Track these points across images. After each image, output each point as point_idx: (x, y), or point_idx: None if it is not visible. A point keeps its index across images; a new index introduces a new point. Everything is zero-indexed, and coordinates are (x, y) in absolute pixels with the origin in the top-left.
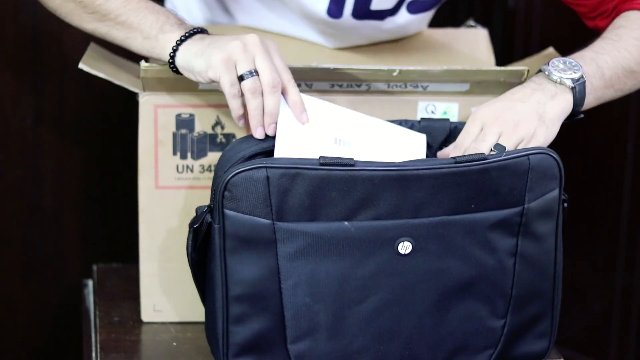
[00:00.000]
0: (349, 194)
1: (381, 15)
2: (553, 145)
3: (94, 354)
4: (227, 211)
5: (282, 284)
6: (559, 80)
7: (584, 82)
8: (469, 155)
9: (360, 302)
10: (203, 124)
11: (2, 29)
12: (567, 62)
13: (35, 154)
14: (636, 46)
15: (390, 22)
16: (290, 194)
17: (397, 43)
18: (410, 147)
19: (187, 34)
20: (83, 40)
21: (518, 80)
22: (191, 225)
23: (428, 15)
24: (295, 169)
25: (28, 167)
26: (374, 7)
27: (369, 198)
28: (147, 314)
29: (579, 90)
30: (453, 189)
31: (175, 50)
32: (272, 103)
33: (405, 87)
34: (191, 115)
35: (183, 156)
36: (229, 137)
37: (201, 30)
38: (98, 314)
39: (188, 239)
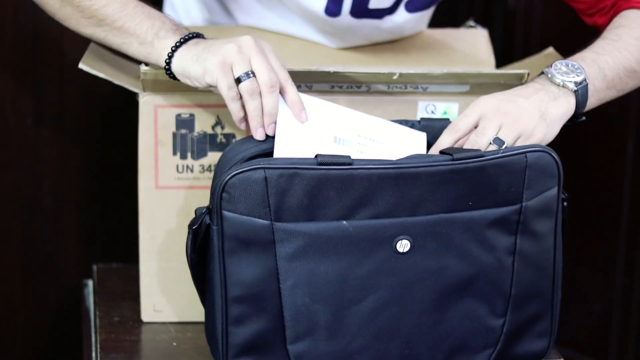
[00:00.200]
0: (347, 193)
1: (379, 14)
2: (552, 144)
3: (94, 354)
4: (225, 213)
5: (281, 285)
6: (561, 83)
7: (587, 84)
8: (466, 152)
9: (359, 301)
10: (203, 124)
11: (2, 29)
12: (570, 65)
13: (35, 154)
14: (636, 46)
15: (389, 21)
16: (289, 194)
17: (397, 43)
18: (411, 146)
19: (182, 40)
20: (83, 40)
21: (518, 82)
22: (190, 226)
23: (427, 14)
24: (293, 169)
25: (28, 167)
26: (372, 5)
27: (367, 197)
28: (147, 314)
29: (581, 93)
30: (450, 187)
31: (170, 57)
32: (270, 103)
33: (406, 88)
34: (191, 115)
35: (183, 156)
36: (229, 137)
37: (196, 35)
38: (98, 314)
39: (187, 240)
